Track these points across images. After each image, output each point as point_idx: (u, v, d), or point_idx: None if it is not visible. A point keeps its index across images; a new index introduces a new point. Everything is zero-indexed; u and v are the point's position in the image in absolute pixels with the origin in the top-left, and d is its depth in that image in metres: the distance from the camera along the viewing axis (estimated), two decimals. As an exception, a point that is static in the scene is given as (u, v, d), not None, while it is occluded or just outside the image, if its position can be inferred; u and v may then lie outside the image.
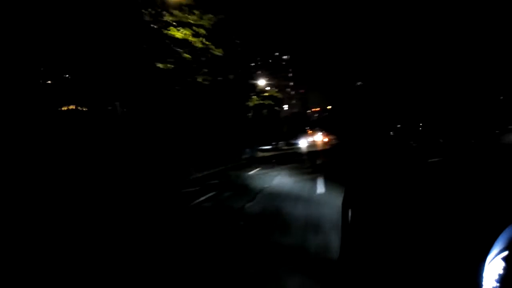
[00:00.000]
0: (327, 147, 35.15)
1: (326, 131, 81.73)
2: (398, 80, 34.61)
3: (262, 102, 38.41)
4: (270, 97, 39.23)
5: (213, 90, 20.23)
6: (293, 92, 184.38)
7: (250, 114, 38.46)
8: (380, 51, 41.00)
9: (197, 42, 15.20)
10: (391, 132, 34.90)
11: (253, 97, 37.92)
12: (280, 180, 11.81)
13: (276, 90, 39.38)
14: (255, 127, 42.61)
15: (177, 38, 14.46)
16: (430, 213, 2.11)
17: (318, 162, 16.12)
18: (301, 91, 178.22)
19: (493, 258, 1.09)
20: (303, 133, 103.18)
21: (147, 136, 15.62)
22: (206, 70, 16.64)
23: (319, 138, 73.22)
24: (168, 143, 16.53)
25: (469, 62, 22.78)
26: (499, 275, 1.04)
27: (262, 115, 39.93)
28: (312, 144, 51.29)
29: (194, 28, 14.89)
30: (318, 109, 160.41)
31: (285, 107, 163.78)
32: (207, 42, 15.57)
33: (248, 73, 34.37)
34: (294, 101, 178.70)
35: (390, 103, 38.17)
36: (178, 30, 14.49)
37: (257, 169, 16.45)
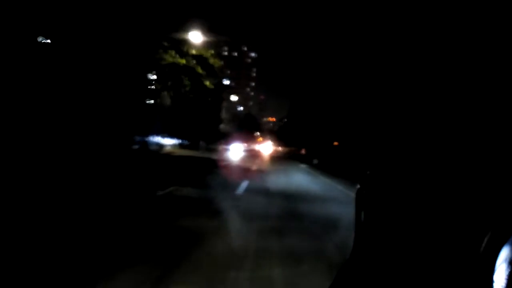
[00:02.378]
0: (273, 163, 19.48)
1: (279, 142, 67.12)
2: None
3: (184, 63, 22.02)
4: (199, 60, 22.82)
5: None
6: (252, 93, 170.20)
7: (156, 80, 21.90)
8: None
9: None
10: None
11: (170, 51, 21.49)
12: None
13: (212, 52, 22.83)
14: (173, 110, 26.12)
15: None
16: (441, 215, 1.81)
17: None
18: (262, 97, 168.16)
19: (504, 260, 1.15)
20: (251, 138, 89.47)
21: None
22: None
23: (267, 148, 57.64)
24: None
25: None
26: (509, 276, 1.11)
27: (184, 88, 23.46)
28: (252, 154, 35.08)
29: None
30: (274, 119, 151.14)
31: (238, 103, 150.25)
32: None
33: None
34: (251, 103, 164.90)
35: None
36: None
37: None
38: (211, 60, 23.14)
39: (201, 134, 34.85)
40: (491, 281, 1.20)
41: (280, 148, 72.74)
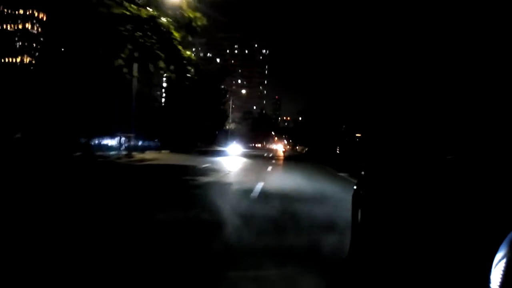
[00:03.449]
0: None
1: (297, 140, 58.61)
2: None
3: (145, 16, 13.55)
4: (169, 12, 14.26)
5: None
6: (265, 92, 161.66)
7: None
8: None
9: None
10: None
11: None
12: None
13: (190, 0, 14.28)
14: (151, 99, 17.86)
15: None
16: (440, 214, 1.79)
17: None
18: (276, 96, 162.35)
19: (500, 260, 1.13)
20: (266, 138, 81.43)
21: None
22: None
23: (283, 147, 49.20)
24: None
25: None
26: (505, 276, 1.10)
27: (153, 59, 15.00)
28: (261, 157, 26.34)
29: None
30: (289, 118, 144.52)
31: (251, 102, 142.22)
32: None
33: None
34: (265, 102, 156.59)
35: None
36: None
37: None
38: (189, 13, 14.54)
39: (195, 133, 26.35)
40: (487, 280, 1.19)
41: (298, 148, 63.92)
